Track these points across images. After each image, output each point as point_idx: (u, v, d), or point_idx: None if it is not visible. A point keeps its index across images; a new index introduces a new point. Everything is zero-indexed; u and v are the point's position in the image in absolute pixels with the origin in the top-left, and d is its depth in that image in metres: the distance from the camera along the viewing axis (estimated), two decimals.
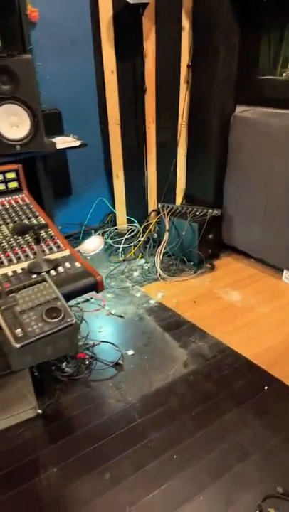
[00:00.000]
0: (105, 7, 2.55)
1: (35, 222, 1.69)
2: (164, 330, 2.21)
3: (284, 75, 2.39)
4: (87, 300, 2.47)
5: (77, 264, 1.42)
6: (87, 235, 3.23)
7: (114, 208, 3.23)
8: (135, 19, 2.53)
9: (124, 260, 2.94)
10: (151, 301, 2.46)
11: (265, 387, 1.81)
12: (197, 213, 2.74)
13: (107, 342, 2.11)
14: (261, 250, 2.65)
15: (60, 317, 1.13)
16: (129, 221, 3.22)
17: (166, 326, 2.24)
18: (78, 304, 2.42)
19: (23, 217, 1.72)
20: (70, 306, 2.34)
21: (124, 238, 3.03)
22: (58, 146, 1.99)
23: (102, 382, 1.87)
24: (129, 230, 3.17)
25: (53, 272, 1.38)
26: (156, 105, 2.87)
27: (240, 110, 2.54)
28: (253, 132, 2.39)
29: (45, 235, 1.61)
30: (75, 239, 3.20)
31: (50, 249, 1.54)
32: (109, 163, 3.07)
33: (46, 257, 1.50)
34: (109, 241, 3.09)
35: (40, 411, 1.68)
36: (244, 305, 2.39)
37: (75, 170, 3.01)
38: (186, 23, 2.56)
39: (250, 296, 2.47)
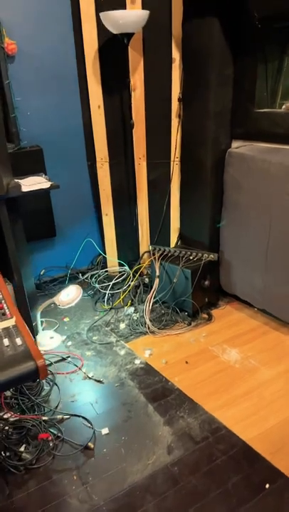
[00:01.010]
0: (90, 39, 2.39)
1: None
2: (147, 400, 1.87)
3: (283, 107, 2.15)
4: (63, 359, 2.16)
5: (19, 341, 1.13)
6: (74, 278, 2.97)
7: (103, 248, 2.97)
8: (122, 51, 2.35)
9: (111, 308, 2.64)
10: (137, 361, 2.13)
11: (267, 486, 1.45)
12: (191, 258, 2.45)
13: (78, 416, 1.78)
14: (263, 301, 2.33)
15: None
16: (119, 264, 2.95)
17: (150, 395, 1.90)
18: (51, 364, 2.11)
19: None
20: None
21: (111, 284, 2.74)
22: (24, 189, 1.75)
23: (65, 474, 1.53)
24: (120, 273, 2.90)
25: None
26: (147, 141, 2.66)
27: (237, 146, 2.30)
28: (251, 169, 2.13)
29: None
30: (60, 283, 2.95)
31: None
32: (98, 201, 2.84)
33: None
34: (97, 286, 2.81)
35: None
36: (244, 367, 2.05)
37: (60, 209, 2.78)
38: (176, 54, 2.37)
39: (250, 355, 2.13)
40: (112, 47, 2.39)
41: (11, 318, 1.25)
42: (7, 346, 1.12)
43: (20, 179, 1.91)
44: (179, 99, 2.44)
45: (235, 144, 2.32)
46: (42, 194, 2.63)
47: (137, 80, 2.48)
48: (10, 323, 1.23)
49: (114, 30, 2.17)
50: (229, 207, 2.35)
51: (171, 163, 2.67)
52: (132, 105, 2.50)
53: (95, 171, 2.75)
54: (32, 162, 2.51)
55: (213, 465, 1.53)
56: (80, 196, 2.85)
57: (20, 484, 1.50)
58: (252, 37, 2.07)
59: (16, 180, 1.85)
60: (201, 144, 2.35)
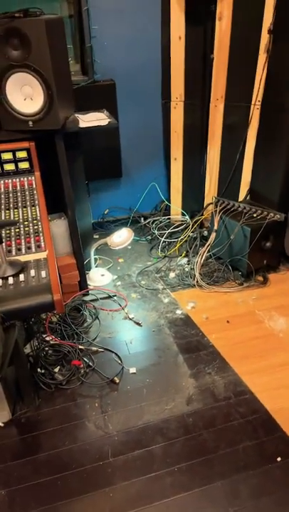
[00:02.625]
0: None
1: (28, 212, 1.49)
2: (179, 351, 1.89)
3: None
4: (109, 297, 2.25)
5: (43, 274, 1.19)
6: (136, 222, 2.98)
7: (168, 194, 2.90)
8: None
9: (165, 256, 2.62)
10: (178, 312, 2.13)
11: (278, 459, 1.41)
12: (255, 215, 2.28)
13: (111, 351, 1.88)
14: None
15: None
16: (182, 213, 2.87)
17: (183, 346, 1.91)
18: (97, 299, 2.21)
19: (20, 204, 1.53)
20: (86, 302, 2.14)
21: (166, 232, 2.70)
22: (82, 125, 1.72)
23: (89, 400, 1.66)
24: (181, 221, 2.84)
25: (11, 280, 1.17)
26: (228, 79, 2.41)
27: None
28: None
29: (31, 230, 1.40)
30: (122, 224, 2.98)
31: (29, 248, 1.33)
32: (168, 145, 2.72)
33: (20, 257, 1.29)
34: (156, 232, 2.79)
35: (1, 424, 1.53)
36: (288, 338, 1.93)
37: (128, 150, 2.74)
38: None
39: None
40: None
41: (45, 251, 1.30)
42: (32, 277, 1.18)
43: (82, 114, 1.88)
44: (270, 31, 2.12)
45: None
46: (110, 132, 2.60)
47: (225, 8, 2.20)
48: (42, 255, 1.28)
49: None
50: None
51: (252, 106, 2.40)
52: (216, 37, 2.25)
53: (168, 111, 2.60)
54: (104, 97, 2.45)
55: (228, 425, 1.53)
56: (149, 137, 2.76)
57: (48, 400, 1.66)
58: None
59: (76, 115, 1.83)
60: (286, 85, 2.06)
